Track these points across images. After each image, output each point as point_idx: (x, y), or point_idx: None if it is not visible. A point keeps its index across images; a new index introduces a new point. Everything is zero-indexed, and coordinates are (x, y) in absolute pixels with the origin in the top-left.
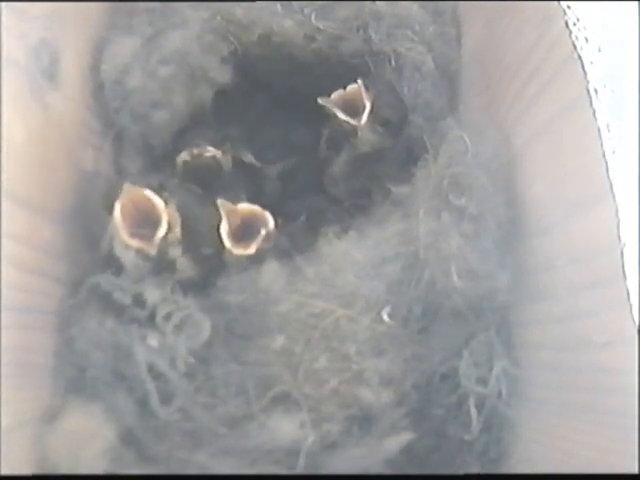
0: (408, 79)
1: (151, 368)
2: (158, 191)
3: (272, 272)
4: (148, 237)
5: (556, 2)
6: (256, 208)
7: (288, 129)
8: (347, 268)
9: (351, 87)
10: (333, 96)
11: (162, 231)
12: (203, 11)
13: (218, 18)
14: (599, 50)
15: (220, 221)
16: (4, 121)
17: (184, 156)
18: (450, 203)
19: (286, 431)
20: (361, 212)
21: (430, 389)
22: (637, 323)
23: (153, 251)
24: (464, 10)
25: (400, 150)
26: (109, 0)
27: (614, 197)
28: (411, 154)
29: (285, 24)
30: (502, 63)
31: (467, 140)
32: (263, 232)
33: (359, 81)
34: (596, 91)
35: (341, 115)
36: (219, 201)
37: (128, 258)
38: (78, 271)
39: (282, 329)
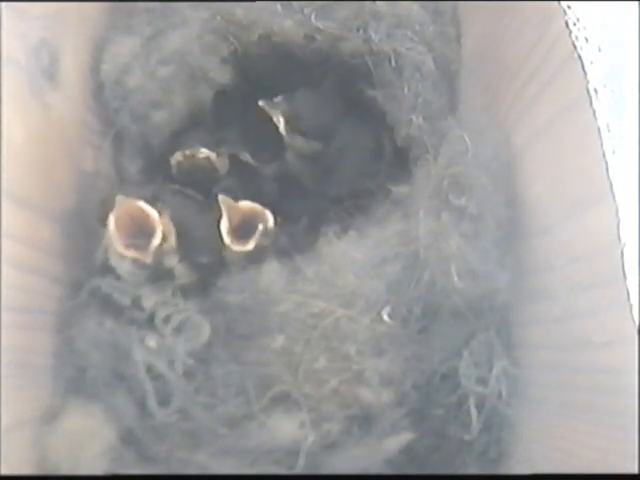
0: (408, 79)
1: (150, 369)
2: (153, 200)
3: (272, 272)
4: (143, 247)
5: (556, 2)
6: (256, 205)
7: None
8: (347, 268)
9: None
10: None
11: (156, 241)
12: (203, 11)
13: (218, 18)
14: (599, 50)
15: (220, 218)
16: (4, 121)
17: (178, 157)
18: (450, 203)
19: (286, 431)
20: (361, 212)
21: (430, 389)
22: (637, 323)
23: (149, 259)
24: (464, 10)
25: (333, 153)
26: (109, 0)
27: (614, 197)
28: (411, 154)
29: (285, 24)
30: (502, 63)
31: (467, 140)
32: (260, 227)
33: (261, 103)
34: (596, 91)
35: (277, 120)
36: (220, 197)
37: (124, 268)
38: (78, 271)
39: (282, 329)
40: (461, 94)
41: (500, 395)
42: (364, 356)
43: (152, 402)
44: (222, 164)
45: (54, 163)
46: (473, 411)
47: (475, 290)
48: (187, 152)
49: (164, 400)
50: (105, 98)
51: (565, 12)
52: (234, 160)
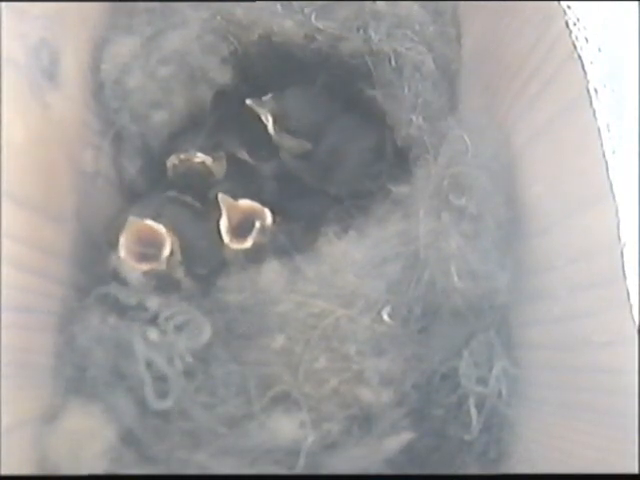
0: (408, 79)
1: (151, 367)
2: (156, 215)
3: (272, 272)
4: (155, 258)
5: (556, 2)
6: (256, 204)
7: None
8: (347, 268)
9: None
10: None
11: (167, 251)
12: (203, 11)
13: (218, 18)
14: (599, 50)
15: (220, 217)
16: (4, 121)
17: (173, 160)
18: (450, 203)
19: (286, 431)
20: (361, 212)
21: (430, 389)
22: (637, 323)
23: (163, 266)
24: (464, 10)
25: (327, 153)
26: (109, 0)
27: (614, 197)
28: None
29: (285, 24)
30: (502, 63)
31: (467, 140)
32: (258, 224)
33: (248, 101)
34: (596, 91)
35: (265, 119)
36: (219, 196)
37: (132, 277)
38: (78, 271)
39: (282, 329)
40: (461, 94)
41: (500, 395)
42: (364, 356)
43: (154, 401)
44: (218, 168)
45: (54, 163)
46: (473, 411)
47: (475, 290)
48: (182, 156)
49: (162, 394)
50: (105, 98)
51: (565, 12)
52: (232, 160)
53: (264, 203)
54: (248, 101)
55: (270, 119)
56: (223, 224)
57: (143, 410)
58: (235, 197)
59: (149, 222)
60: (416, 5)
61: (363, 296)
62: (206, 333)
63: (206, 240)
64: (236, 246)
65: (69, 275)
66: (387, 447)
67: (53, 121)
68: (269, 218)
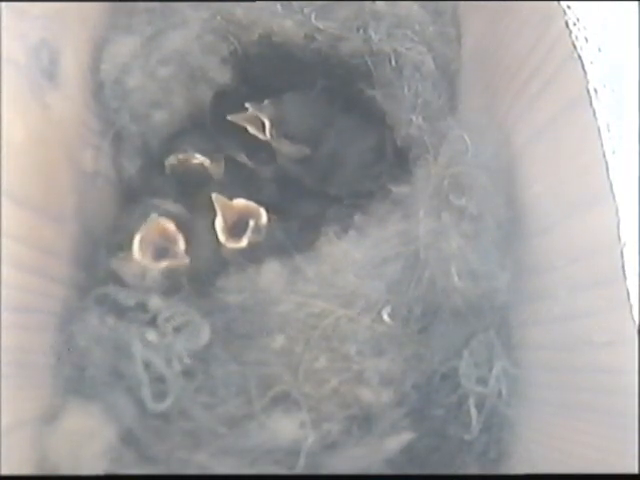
0: (408, 79)
1: (149, 369)
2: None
3: (272, 272)
4: (172, 254)
5: (556, 2)
6: (250, 203)
7: None
8: (347, 268)
9: (250, 110)
10: (244, 114)
11: (182, 245)
12: (203, 11)
13: (218, 18)
14: (599, 50)
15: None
16: (4, 121)
17: (172, 160)
18: (450, 203)
19: (286, 431)
20: (361, 212)
21: (430, 389)
22: (637, 323)
23: (186, 260)
24: (464, 10)
25: (323, 157)
26: (109, 0)
27: (614, 197)
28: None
29: (285, 24)
30: (502, 63)
31: (467, 140)
32: (252, 223)
33: (248, 105)
34: (596, 91)
35: (251, 130)
36: (214, 196)
37: (133, 278)
38: (78, 272)
39: (282, 329)
40: (461, 94)
41: (500, 395)
42: (364, 356)
43: (152, 401)
44: (217, 170)
45: (54, 163)
46: (473, 411)
47: (475, 290)
48: (180, 157)
49: (160, 396)
50: (105, 98)
51: (565, 12)
52: (232, 162)
53: (264, 204)
54: (248, 105)
55: (268, 124)
56: (218, 224)
57: (143, 410)
58: (233, 198)
59: (163, 220)
60: (416, 5)
61: (363, 296)
62: (205, 334)
63: (207, 236)
64: (232, 245)
65: (69, 275)
66: (387, 447)
67: (53, 121)
68: (264, 217)
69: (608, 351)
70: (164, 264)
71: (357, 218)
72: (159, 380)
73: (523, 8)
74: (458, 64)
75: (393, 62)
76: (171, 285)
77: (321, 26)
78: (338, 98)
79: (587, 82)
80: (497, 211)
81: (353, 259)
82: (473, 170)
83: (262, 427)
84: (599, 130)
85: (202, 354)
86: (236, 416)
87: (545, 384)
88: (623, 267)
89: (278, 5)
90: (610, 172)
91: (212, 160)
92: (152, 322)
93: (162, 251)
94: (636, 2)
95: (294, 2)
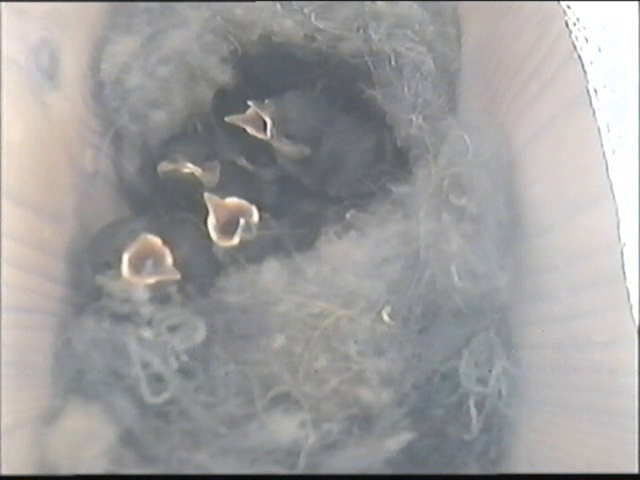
0: (408, 79)
1: (148, 368)
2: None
3: (272, 272)
4: (159, 271)
5: (556, 2)
6: (242, 202)
7: None
8: (347, 268)
9: (251, 109)
10: (243, 115)
11: (169, 259)
12: (203, 11)
13: (218, 18)
14: (599, 50)
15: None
16: (4, 121)
17: (164, 166)
18: (450, 203)
19: (286, 431)
20: (361, 212)
21: (430, 389)
22: (637, 323)
23: (177, 276)
24: (464, 10)
25: (323, 157)
26: (109, 0)
27: (614, 197)
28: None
29: (285, 24)
30: (502, 63)
31: (467, 140)
32: (242, 221)
33: (250, 103)
34: (596, 91)
35: (250, 130)
36: (206, 195)
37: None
38: (78, 272)
39: (282, 329)
40: (461, 94)
41: (500, 395)
42: (364, 356)
43: (151, 402)
44: (209, 178)
45: (54, 163)
46: (473, 411)
47: (475, 290)
48: (170, 167)
49: (158, 391)
50: (104, 98)
51: (565, 12)
52: (230, 165)
53: (263, 204)
54: (250, 103)
55: (269, 123)
56: (210, 222)
57: (143, 410)
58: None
59: (150, 236)
60: (416, 5)
61: (363, 296)
62: (201, 332)
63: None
64: (224, 243)
65: (69, 275)
66: (387, 447)
67: (53, 121)
68: (255, 215)
69: (608, 351)
70: (154, 280)
71: (357, 218)
72: (156, 377)
73: (523, 8)
74: (458, 64)
75: (393, 62)
76: (162, 296)
77: (321, 26)
78: (338, 98)
79: (587, 82)
80: (497, 211)
81: (353, 259)
82: (473, 170)
83: (262, 427)
84: (599, 130)
85: (202, 354)
86: (236, 416)
87: (545, 384)
88: (623, 267)
89: (278, 5)
90: (610, 172)
91: (204, 169)
92: (148, 323)
93: (151, 268)
94: (636, 2)
95: (294, 2)
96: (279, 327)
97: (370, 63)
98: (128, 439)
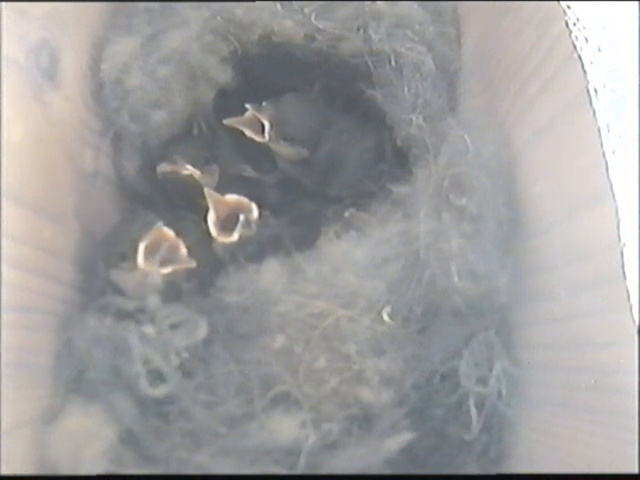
0: (408, 79)
1: (149, 364)
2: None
3: (272, 272)
4: (175, 260)
5: (556, 2)
6: (242, 198)
7: None
8: (347, 268)
9: (249, 112)
10: (241, 117)
11: (184, 250)
12: (203, 11)
13: (218, 18)
14: (599, 50)
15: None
16: (4, 121)
17: (163, 167)
18: (451, 203)
19: (286, 431)
20: (362, 212)
21: (430, 389)
22: (637, 323)
23: (192, 264)
24: (464, 10)
25: (322, 159)
26: (109, 0)
27: (614, 197)
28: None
29: (285, 24)
30: (502, 63)
31: (467, 140)
32: (242, 217)
33: (248, 106)
34: (596, 91)
35: (248, 133)
36: (206, 190)
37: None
38: (78, 271)
39: (282, 329)
40: (461, 94)
41: (500, 395)
42: (364, 356)
43: (152, 402)
44: (208, 180)
45: (54, 163)
46: (473, 411)
47: (475, 290)
48: (169, 168)
49: (165, 399)
50: (105, 98)
51: (565, 12)
52: (231, 167)
53: (265, 204)
54: (248, 106)
55: (267, 126)
56: (210, 218)
57: (143, 410)
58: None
59: (163, 227)
60: (416, 5)
61: (363, 296)
62: (202, 330)
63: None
64: (223, 239)
65: (69, 275)
66: (387, 447)
67: (53, 121)
68: (255, 212)
69: (608, 351)
70: (169, 269)
71: (357, 218)
72: (157, 373)
73: (523, 8)
74: (458, 64)
75: (393, 62)
76: (172, 290)
77: (321, 26)
78: (338, 98)
79: (587, 82)
80: (497, 211)
81: (353, 259)
82: (473, 170)
83: (262, 427)
84: (599, 130)
85: (202, 353)
86: (236, 416)
87: (545, 384)
88: (623, 267)
89: (278, 5)
90: (610, 172)
91: (204, 171)
92: (150, 320)
93: (166, 258)
94: (636, 2)
95: (294, 2)
96: (279, 327)
97: (370, 63)
98: (128, 439)
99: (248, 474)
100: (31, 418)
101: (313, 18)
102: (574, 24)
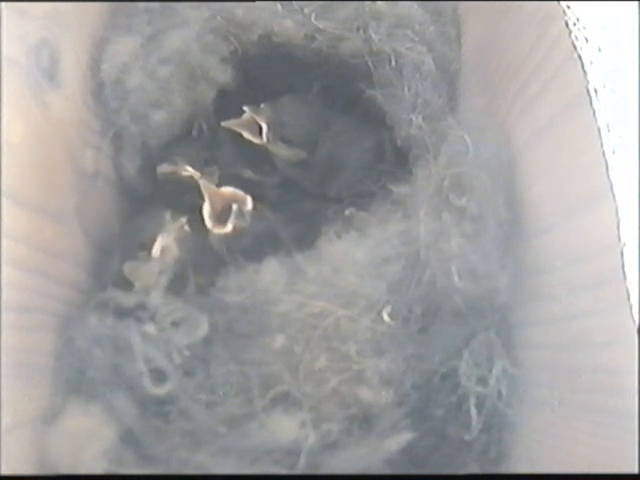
0: (408, 79)
1: (150, 363)
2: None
3: (272, 272)
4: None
5: (556, 2)
6: (237, 191)
7: None
8: (347, 268)
9: (246, 114)
10: (239, 119)
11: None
12: (203, 11)
13: (218, 18)
14: (599, 50)
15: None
16: (4, 121)
17: (163, 168)
18: (451, 203)
19: (286, 431)
20: (361, 212)
21: (430, 389)
22: (637, 323)
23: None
24: (464, 10)
25: (320, 160)
26: (109, 0)
27: (614, 197)
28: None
29: (285, 24)
30: (502, 63)
31: (467, 140)
32: (235, 207)
33: (245, 108)
34: (596, 91)
35: (246, 135)
36: (201, 182)
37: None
38: (78, 271)
39: (282, 329)
40: (461, 94)
41: (500, 395)
42: (364, 356)
43: (153, 402)
44: (208, 182)
45: (54, 163)
46: (473, 411)
47: (475, 290)
48: (170, 169)
49: (165, 399)
50: (105, 98)
51: (565, 12)
52: (231, 168)
53: (265, 205)
54: (245, 108)
55: (265, 128)
56: (206, 210)
57: (143, 410)
58: None
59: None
60: (416, 5)
61: (363, 296)
62: (203, 328)
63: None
64: (218, 231)
65: (69, 275)
66: (387, 447)
67: (53, 121)
68: (249, 203)
69: (608, 351)
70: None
71: (357, 218)
72: (159, 371)
73: (523, 8)
74: (458, 64)
75: (393, 62)
76: (174, 287)
77: (321, 26)
78: (338, 98)
79: (587, 82)
80: (497, 211)
81: (353, 259)
82: (473, 170)
83: (262, 427)
84: (599, 130)
85: (202, 353)
86: (236, 416)
87: (545, 384)
88: (623, 267)
89: (278, 5)
90: (610, 172)
91: (203, 173)
92: (151, 318)
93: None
94: (636, 2)
95: (294, 2)
96: (279, 327)
97: (370, 63)
98: (128, 439)
99: (248, 474)
100: (31, 418)
101: (313, 18)
102: (574, 24)
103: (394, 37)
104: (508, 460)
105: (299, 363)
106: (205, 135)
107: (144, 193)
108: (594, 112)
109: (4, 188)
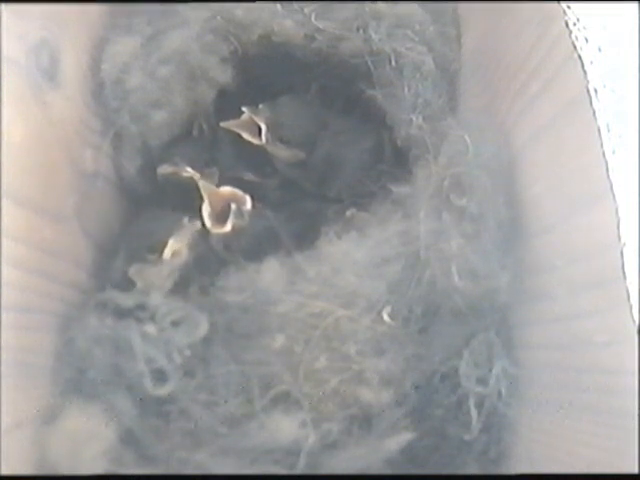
0: (408, 79)
1: (151, 363)
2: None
3: (272, 272)
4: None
5: (556, 2)
6: (237, 190)
7: None
8: (347, 268)
9: (245, 114)
10: (238, 120)
11: (249, 204)
12: (203, 11)
13: (218, 18)
14: (599, 50)
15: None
16: (4, 121)
17: (164, 169)
18: (451, 203)
19: (286, 431)
20: (362, 212)
21: (430, 389)
22: (637, 323)
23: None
24: (464, 10)
25: (319, 161)
26: (109, 1)
27: (614, 197)
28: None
29: (285, 24)
30: (502, 63)
31: (467, 140)
32: (233, 207)
33: (244, 108)
34: (596, 91)
35: (245, 135)
36: (200, 183)
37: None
38: (78, 271)
39: (282, 329)
40: (461, 94)
41: (500, 395)
42: (364, 356)
43: (153, 401)
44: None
45: (54, 163)
46: (473, 411)
47: (475, 290)
48: (170, 169)
49: (165, 398)
50: (105, 98)
51: (565, 12)
52: (231, 169)
53: (265, 205)
54: (244, 108)
55: (264, 128)
56: (205, 210)
57: (143, 410)
58: None
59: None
60: (416, 5)
61: (363, 296)
62: (203, 327)
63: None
64: (217, 230)
65: (69, 275)
66: (387, 447)
67: (53, 121)
68: (249, 203)
69: (608, 351)
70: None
71: (357, 218)
72: (159, 371)
73: (523, 8)
74: (458, 64)
75: (393, 62)
76: (176, 287)
77: (321, 26)
78: (338, 98)
79: (587, 82)
80: (497, 211)
81: (353, 259)
82: (473, 170)
83: (262, 427)
84: (599, 130)
85: (202, 353)
86: (236, 416)
87: (545, 384)
88: (623, 267)
89: (278, 5)
90: (610, 172)
91: (203, 174)
92: (151, 318)
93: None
94: (636, 2)
95: (294, 2)
96: (279, 327)
97: (370, 63)
98: (128, 439)
99: (248, 474)
100: (31, 418)
101: (313, 18)
102: (574, 24)
103: (394, 37)
104: (508, 460)
105: (299, 363)
106: (205, 135)
107: (144, 193)
108: (594, 112)
109: (4, 188)
